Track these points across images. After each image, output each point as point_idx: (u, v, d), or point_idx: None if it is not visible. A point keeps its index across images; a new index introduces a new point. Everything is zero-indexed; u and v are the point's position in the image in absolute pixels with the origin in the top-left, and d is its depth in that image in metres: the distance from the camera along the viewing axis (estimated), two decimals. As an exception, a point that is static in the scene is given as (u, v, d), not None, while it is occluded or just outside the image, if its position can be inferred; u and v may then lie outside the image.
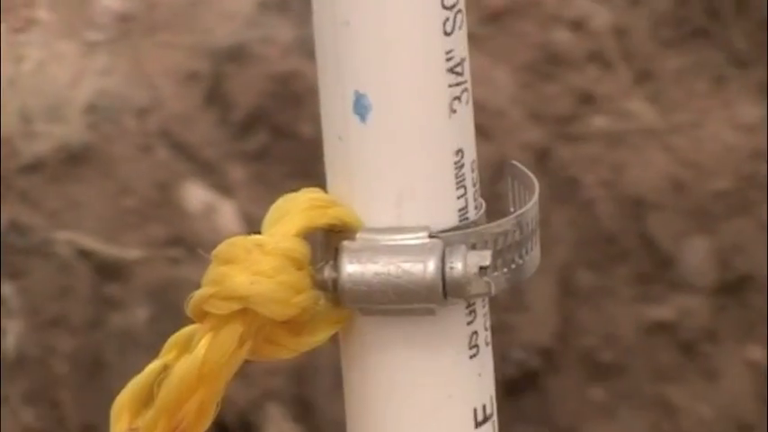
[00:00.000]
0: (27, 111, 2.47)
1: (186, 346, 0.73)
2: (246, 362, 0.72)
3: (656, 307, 2.91)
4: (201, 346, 0.73)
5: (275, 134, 2.50)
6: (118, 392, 0.73)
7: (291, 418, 2.40)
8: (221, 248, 0.73)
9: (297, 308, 0.72)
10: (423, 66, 0.72)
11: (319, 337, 0.75)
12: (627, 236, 2.77)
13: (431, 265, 0.70)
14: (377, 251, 0.73)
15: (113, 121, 2.45)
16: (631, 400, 2.81)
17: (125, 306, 2.36)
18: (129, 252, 2.36)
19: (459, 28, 0.72)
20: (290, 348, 0.76)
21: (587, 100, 2.72)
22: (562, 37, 2.75)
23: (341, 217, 0.75)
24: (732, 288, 2.86)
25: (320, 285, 0.73)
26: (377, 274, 0.72)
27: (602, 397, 2.89)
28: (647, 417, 2.79)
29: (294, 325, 0.75)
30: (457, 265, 0.70)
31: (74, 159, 2.41)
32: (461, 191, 0.73)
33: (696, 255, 2.82)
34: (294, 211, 0.75)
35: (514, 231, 0.75)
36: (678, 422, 2.85)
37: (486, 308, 0.75)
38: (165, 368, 0.73)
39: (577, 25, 2.79)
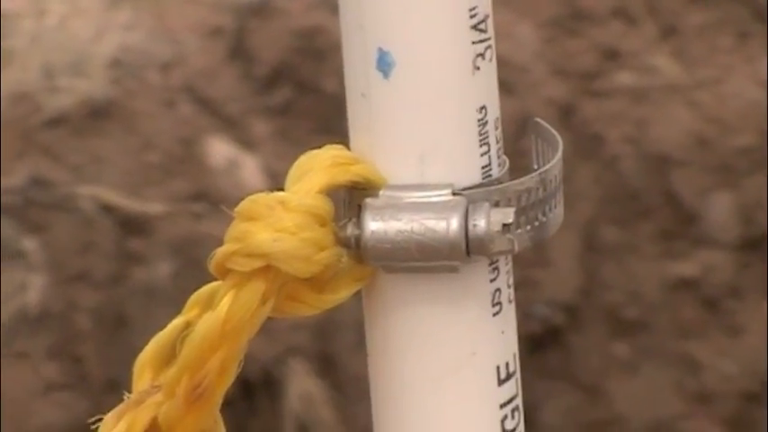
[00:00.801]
0: (50, 66, 2.49)
1: (209, 304, 0.71)
2: (269, 319, 0.69)
3: (680, 263, 2.91)
4: (224, 304, 0.70)
5: (299, 89, 2.51)
6: (141, 348, 0.72)
7: (314, 374, 2.39)
8: (244, 205, 0.70)
9: (319, 265, 0.70)
10: (446, 22, 0.70)
11: (342, 294, 0.73)
12: (651, 192, 2.78)
13: (454, 223, 0.68)
14: (400, 208, 0.71)
15: (136, 76, 2.47)
16: (655, 356, 2.84)
17: (148, 261, 2.37)
18: (152, 207, 2.37)
19: None
20: (313, 305, 0.73)
21: (612, 56, 2.76)
22: None
23: (364, 174, 0.72)
24: (756, 244, 2.93)
25: (343, 242, 0.70)
26: (400, 231, 0.70)
27: (626, 353, 2.89)
28: (671, 373, 2.81)
29: (317, 282, 0.73)
30: (480, 223, 0.68)
31: (97, 114, 2.42)
32: (485, 148, 0.71)
33: (720, 211, 2.85)
34: (317, 168, 0.73)
35: (538, 189, 0.73)
36: (701, 378, 2.88)
37: (510, 265, 0.73)
38: (188, 325, 0.71)
39: None
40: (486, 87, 0.70)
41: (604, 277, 2.68)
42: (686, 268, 2.76)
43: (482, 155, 0.72)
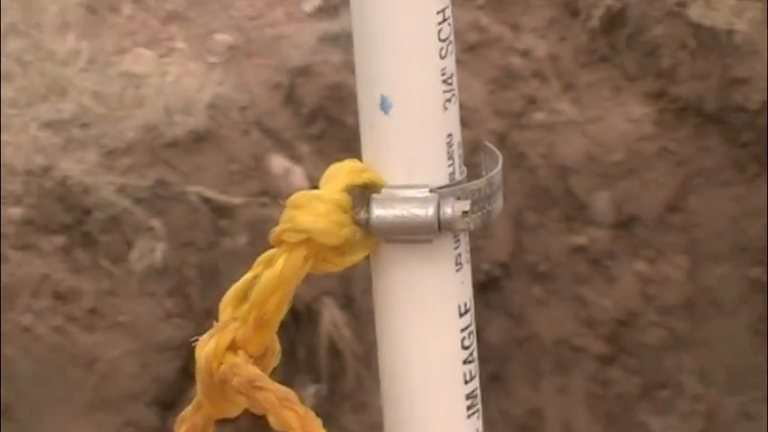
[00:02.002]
0: (169, 107, 2.45)
1: (269, 263, 0.72)
2: (308, 273, 0.71)
3: (575, 236, 2.92)
4: (279, 263, 0.72)
5: (329, 123, 2.50)
6: (225, 292, 0.70)
7: (339, 307, 2.39)
8: (292, 198, 0.72)
9: (342, 238, 0.72)
10: (426, 79, 0.72)
11: (356, 257, 0.74)
12: (556, 190, 2.73)
13: (430, 210, 0.70)
14: (395, 200, 0.73)
15: (225, 114, 2.45)
16: (559, 296, 2.87)
17: (232, 235, 2.35)
18: (235, 199, 2.34)
19: (450, 54, 0.72)
20: (338, 265, 0.74)
21: (532, 102, 2.70)
22: (515, 61, 2.71)
23: (371, 178, 0.73)
24: (624, 224, 2.87)
25: (357, 223, 0.72)
26: (395, 215, 0.72)
27: (540, 294, 2.92)
28: (569, 306, 2.78)
29: (340, 249, 0.74)
30: (447, 211, 0.70)
31: (199, 139, 2.40)
32: (450, 161, 0.72)
33: (601, 203, 2.83)
34: (340, 174, 0.74)
35: (485, 188, 0.74)
36: (589, 310, 2.91)
37: (467, 238, 0.73)
38: (256, 278, 0.71)
39: (525, 53, 2.75)
40: (452, 121, 0.71)
41: (527, 245, 2.70)
42: (579, 239, 2.79)
43: (449, 166, 0.73)
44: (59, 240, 2.28)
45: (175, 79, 2.49)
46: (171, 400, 2.28)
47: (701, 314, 2.73)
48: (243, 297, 0.69)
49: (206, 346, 0.68)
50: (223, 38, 2.64)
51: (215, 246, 2.36)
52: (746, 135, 2.68)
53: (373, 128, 0.70)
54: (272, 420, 0.66)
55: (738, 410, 2.76)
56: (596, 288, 2.77)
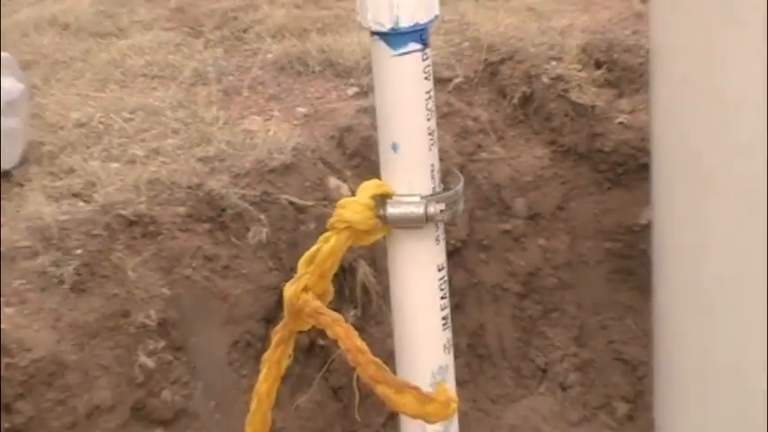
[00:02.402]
0: (270, 149, 2.37)
1: (327, 240, 0.80)
2: (350, 246, 0.80)
3: (504, 224, 2.78)
4: (332, 241, 0.79)
5: (362, 158, 2.48)
6: (301, 257, 0.83)
7: (368, 265, 2.36)
8: (340, 202, 0.79)
9: (369, 226, 0.78)
10: (419, 132, 0.76)
11: (378, 237, 0.81)
12: (493, 198, 2.75)
13: (421, 210, 0.76)
14: (401, 204, 0.78)
15: (302, 153, 2.43)
16: (494, 259, 2.76)
17: (306, 223, 2.34)
18: (308, 203, 2.23)
19: (432, 118, 0.78)
20: (366, 241, 0.81)
21: (479, 147, 2.67)
22: (469, 123, 2.66)
23: (387, 190, 0.79)
24: (532, 218, 2.79)
25: (378, 217, 0.79)
26: (401, 212, 0.79)
27: (484, 258, 2.78)
28: (500, 265, 2.78)
29: (368, 232, 0.79)
30: (431, 210, 0.76)
31: (287, 167, 2.39)
32: (433, 181, 0.78)
33: (519, 205, 2.77)
34: (369, 188, 0.80)
35: (453, 196, 0.80)
36: (512, 267, 2.85)
37: (442, 226, 0.82)
38: (318, 249, 0.80)
39: (475, 118, 2.71)
40: (434, 158, 0.78)
41: (476, 229, 2.70)
42: (506, 226, 2.68)
43: (432, 183, 0.79)
44: (206, 226, 2.27)
45: (274, 133, 2.48)
46: (271, 318, 2.24)
47: (577, 269, 2.74)
48: (311, 260, 0.78)
49: (290, 289, 0.78)
50: (301, 110, 2.64)
51: (296, 229, 2.33)
52: (603, 166, 2.69)
53: (387, 161, 0.76)
54: (329, 333, 0.77)
55: (598, 324, 2.76)
56: (516, 254, 2.73)
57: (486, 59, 2.68)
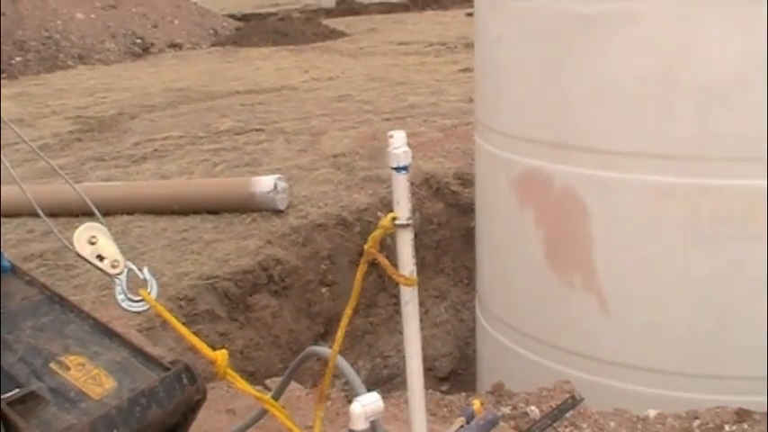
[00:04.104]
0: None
1: (376, 234, 1.60)
2: (384, 237, 1.56)
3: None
4: (377, 232, 1.56)
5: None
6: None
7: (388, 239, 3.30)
8: (380, 222, 1.46)
9: (390, 230, 1.54)
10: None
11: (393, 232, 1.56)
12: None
13: (411, 221, 1.56)
14: (400, 223, 1.59)
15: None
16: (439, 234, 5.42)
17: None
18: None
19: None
20: (389, 233, 1.55)
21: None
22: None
23: (393, 219, 1.52)
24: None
25: (393, 226, 1.53)
26: (401, 223, 1.58)
27: (435, 236, 5.27)
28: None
29: (390, 232, 1.54)
30: (413, 222, 1.56)
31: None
32: (413, 213, 1.57)
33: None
34: (387, 218, 1.58)
35: (414, 216, 1.47)
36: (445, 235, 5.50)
37: (413, 222, 1.51)
38: (374, 237, 1.60)
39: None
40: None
41: (425, 228, 5.02)
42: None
43: (408, 216, 1.56)
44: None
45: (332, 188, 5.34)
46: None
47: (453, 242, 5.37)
48: (373, 239, 1.65)
49: (368, 244, 1.65)
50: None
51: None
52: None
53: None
54: (387, 271, 1.58)
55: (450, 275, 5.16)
56: (445, 233, 5.37)
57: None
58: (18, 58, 12.63)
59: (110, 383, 1.46)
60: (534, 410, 2.66)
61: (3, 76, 11.79)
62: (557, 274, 3.31)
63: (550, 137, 3.24)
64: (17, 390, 1.41)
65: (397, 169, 1.55)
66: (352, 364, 1.90)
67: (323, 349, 2.06)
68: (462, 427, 1.81)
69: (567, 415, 2.37)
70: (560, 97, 3.15)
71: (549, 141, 3.23)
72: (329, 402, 2.83)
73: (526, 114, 3.32)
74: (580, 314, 3.29)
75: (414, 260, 1.63)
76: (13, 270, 1.78)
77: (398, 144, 1.57)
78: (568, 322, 3.37)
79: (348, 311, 1.65)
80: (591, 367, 3.30)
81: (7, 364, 1.49)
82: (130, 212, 4.96)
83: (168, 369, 1.50)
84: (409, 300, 1.66)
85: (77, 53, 13.29)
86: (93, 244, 1.53)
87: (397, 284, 1.60)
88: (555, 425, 2.36)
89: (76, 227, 1.56)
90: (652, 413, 2.69)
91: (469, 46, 10.15)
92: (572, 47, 3.08)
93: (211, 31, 15.27)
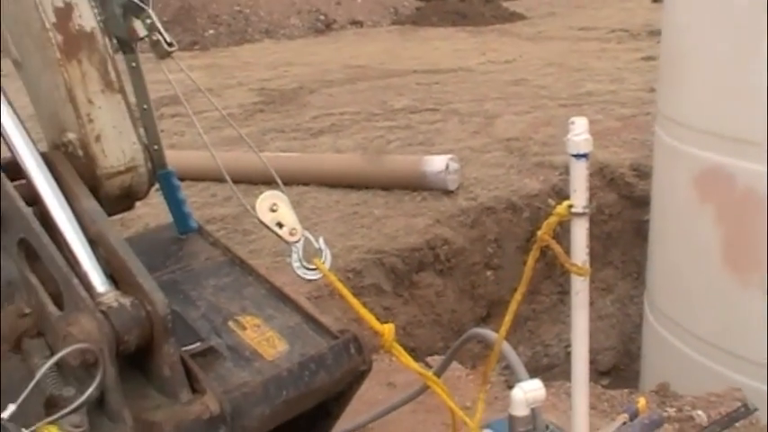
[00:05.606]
0: None
1: (551, 218, 1.54)
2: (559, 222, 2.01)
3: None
4: (553, 219, 1.48)
5: None
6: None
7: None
8: (555, 209, 1.40)
9: (565, 218, 1.40)
10: None
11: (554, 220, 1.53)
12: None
13: (587, 209, 1.72)
14: (577, 213, 1.53)
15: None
16: None
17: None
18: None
19: None
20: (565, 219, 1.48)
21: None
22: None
23: (568, 207, 1.42)
24: None
25: (569, 215, 1.44)
26: (578, 213, 1.55)
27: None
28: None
29: (565, 220, 1.43)
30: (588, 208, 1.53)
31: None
32: None
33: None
34: (563, 205, 1.44)
35: None
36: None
37: None
38: (549, 223, 1.54)
39: None
40: None
41: (604, 211, 5.06)
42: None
43: (585, 205, 1.48)
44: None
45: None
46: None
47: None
48: (547, 226, 1.59)
49: (542, 230, 1.61)
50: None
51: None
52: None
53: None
54: (560, 259, 1.45)
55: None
56: (616, 225, 5.20)
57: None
58: (211, 31, 13.17)
59: (282, 346, 1.51)
60: (701, 415, 2.60)
61: (180, 48, 12.07)
62: (734, 276, 3.22)
63: (736, 132, 3.17)
64: (198, 343, 1.49)
65: (577, 156, 1.51)
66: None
67: (486, 332, 2.05)
68: (625, 423, 1.77)
69: (737, 425, 2.29)
70: (749, 91, 3.07)
71: (735, 137, 3.17)
72: (488, 386, 2.80)
73: (712, 107, 3.27)
74: (758, 319, 3.18)
75: (587, 250, 1.57)
76: (200, 231, 1.87)
77: (579, 131, 1.52)
78: (744, 326, 3.27)
79: (517, 297, 1.63)
80: (765, 376, 3.22)
81: (191, 318, 1.57)
82: (306, 183, 5.10)
83: (337, 338, 1.53)
84: (580, 290, 1.59)
85: (264, 28, 13.67)
86: (273, 211, 1.58)
87: (563, 273, 1.60)
88: (723, 433, 2.43)
89: (256, 195, 1.60)
90: (831, 430, 2.71)
91: (654, 33, 9.87)
92: (764, 38, 2.96)
93: (392, 10, 15.40)
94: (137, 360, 1.36)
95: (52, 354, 1.34)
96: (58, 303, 1.38)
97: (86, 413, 1.25)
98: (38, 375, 1.24)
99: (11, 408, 1.15)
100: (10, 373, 1.38)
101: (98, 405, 1.29)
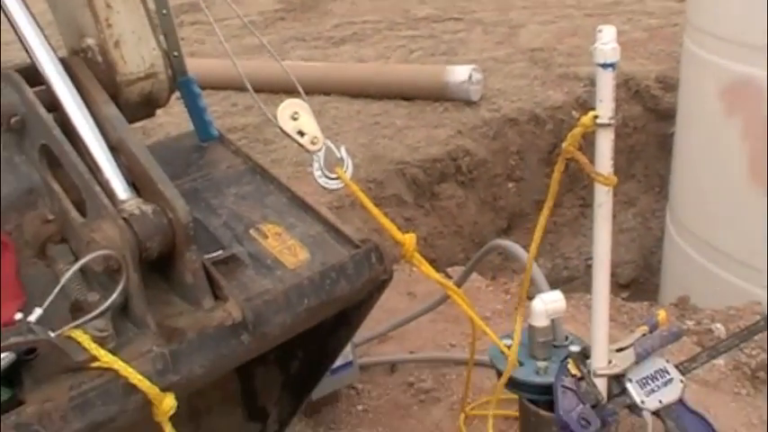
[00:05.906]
0: None
1: (576, 129, 1.46)
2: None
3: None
4: (578, 130, 1.42)
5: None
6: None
7: None
8: (580, 120, 1.34)
9: (590, 128, 1.37)
10: None
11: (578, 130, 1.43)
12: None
13: (613, 120, 1.51)
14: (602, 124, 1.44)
15: None
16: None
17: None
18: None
19: None
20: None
21: None
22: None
23: (593, 118, 1.40)
24: None
25: (594, 126, 1.42)
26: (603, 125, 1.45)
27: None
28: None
29: (591, 131, 1.39)
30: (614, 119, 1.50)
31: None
32: None
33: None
34: (589, 116, 1.42)
35: None
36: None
37: None
38: (574, 134, 1.45)
39: None
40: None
41: (629, 124, 4.96)
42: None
43: (611, 116, 1.44)
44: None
45: None
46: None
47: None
48: (573, 137, 1.50)
49: (567, 141, 1.49)
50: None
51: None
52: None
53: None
54: (586, 169, 1.41)
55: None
56: (640, 137, 5.21)
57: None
58: (230, -64, 13.23)
59: (303, 255, 1.51)
60: (720, 328, 2.59)
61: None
62: (759, 190, 3.18)
63: (769, 42, 3.32)
64: (220, 251, 1.49)
65: (604, 66, 1.45)
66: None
67: (508, 243, 2.04)
68: (644, 335, 1.72)
69: (756, 338, 2.25)
70: (784, 0, 3.18)
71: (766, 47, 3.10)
72: (508, 296, 2.83)
73: (743, 17, 3.15)
74: (781, 234, 3.37)
75: (612, 162, 1.53)
76: (221, 139, 1.86)
77: (607, 39, 1.47)
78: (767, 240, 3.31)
79: (545, 211, 1.59)
80: (786, 291, 3.46)
81: (212, 226, 1.58)
82: (327, 93, 5.07)
83: (358, 247, 1.53)
84: (603, 202, 1.56)
85: (285, -67, 13.90)
86: (295, 120, 1.57)
87: (585, 186, 1.54)
88: (741, 346, 2.26)
89: (277, 103, 1.59)
90: None
91: (686, -59, 9.69)
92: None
93: None
94: (160, 268, 1.36)
95: (76, 259, 1.34)
96: (81, 210, 1.38)
97: (111, 318, 1.26)
98: (63, 280, 1.26)
99: (37, 311, 1.16)
100: (36, 279, 1.38)
101: (122, 311, 1.31)
